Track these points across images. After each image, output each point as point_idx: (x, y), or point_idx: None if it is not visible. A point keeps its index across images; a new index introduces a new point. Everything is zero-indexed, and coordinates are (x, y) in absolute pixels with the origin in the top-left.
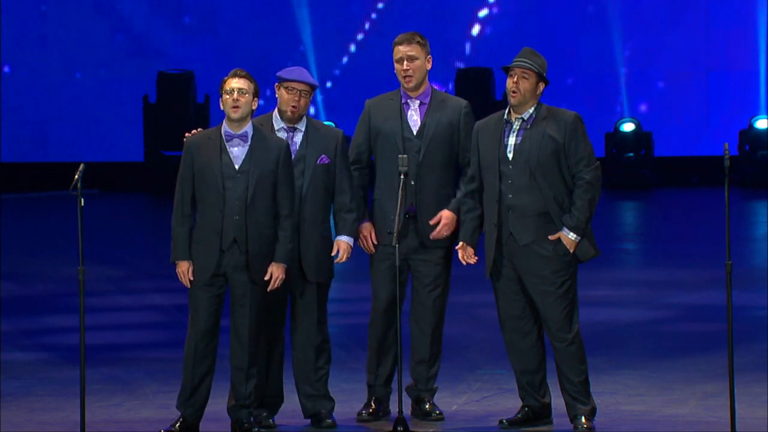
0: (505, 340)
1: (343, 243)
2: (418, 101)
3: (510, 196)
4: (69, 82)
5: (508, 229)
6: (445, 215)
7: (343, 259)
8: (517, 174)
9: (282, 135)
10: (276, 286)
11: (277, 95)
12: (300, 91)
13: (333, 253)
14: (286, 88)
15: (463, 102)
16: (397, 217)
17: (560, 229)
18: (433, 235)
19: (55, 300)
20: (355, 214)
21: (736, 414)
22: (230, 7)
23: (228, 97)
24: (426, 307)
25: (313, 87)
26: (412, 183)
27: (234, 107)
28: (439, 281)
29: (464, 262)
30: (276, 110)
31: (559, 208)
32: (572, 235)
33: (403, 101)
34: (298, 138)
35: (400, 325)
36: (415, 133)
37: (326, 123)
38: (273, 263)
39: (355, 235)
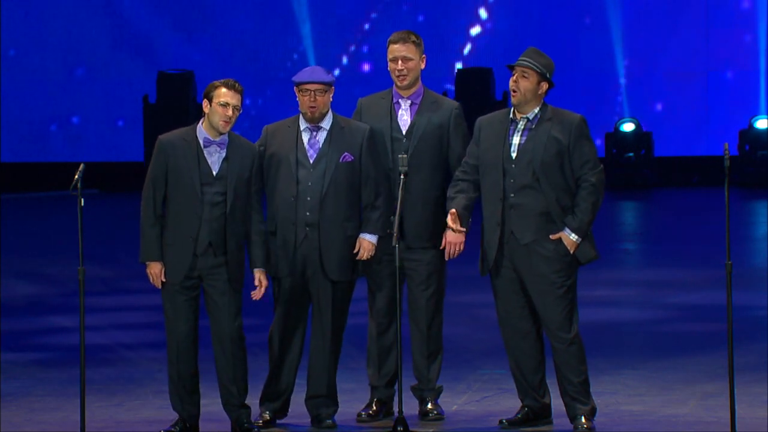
0: (504, 339)
1: (364, 241)
2: (410, 101)
3: (512, 195)
4: (69, 82)
5: (509, 227)
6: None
7: (364, 257)
8: (519, 173)
9: (306, 134)
10: (263, 293)
11: (297, 99)
12: (313, 91)
13: (355, 251)
14: (300, 90)
15: (455, 104)
16: (396, 217)
17: (561, 230)
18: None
19: (55, 300)
20: (380, 211)
21: (736, 414)
22: (230, 7)
23: (222, 110)
24: (420, 306)
25: (327, 84)
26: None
27: (226, 122)
28: (432, 280)
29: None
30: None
31: (561, 210)
32: (574, 236)
33: (394, 101)
34: (321, 136)
35: (400, 325)
36: (404, 132)
37: None
38: (257, 270)
39: (380, 232)
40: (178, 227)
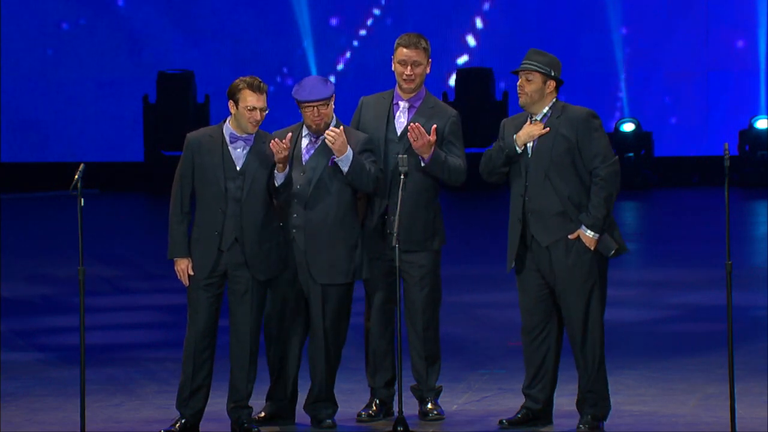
0: (522, 340)
1: (345, 146)
2: (409, 104)
3: (527, 198)
4: (69, 82)
5: (530, 231)
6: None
7: (330, 135)
8: (533, 175)
9: (306, 140)
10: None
11: (300, 112)
12: (316, 106)
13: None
14: (303, 107)
15: (453, 112)
16: (396, 217)
17: (579, 227)
18: (416, 145)
19: (55, 300)
20: (371, 164)
21: (736, 414)
22: (230, 7)
23: (250, 114)
24: (416, 306)
25: (328, 98)
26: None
27: (254, 125)
28: (426, 281)
29: (538, 129)
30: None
31: (575, 208)
32: (590, 233)
33: (393, 102)
34: (319, 142)
35: (400, 325)
36: (398, 134)
37: None
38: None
39: (357, 165)
40: (204, 223)
